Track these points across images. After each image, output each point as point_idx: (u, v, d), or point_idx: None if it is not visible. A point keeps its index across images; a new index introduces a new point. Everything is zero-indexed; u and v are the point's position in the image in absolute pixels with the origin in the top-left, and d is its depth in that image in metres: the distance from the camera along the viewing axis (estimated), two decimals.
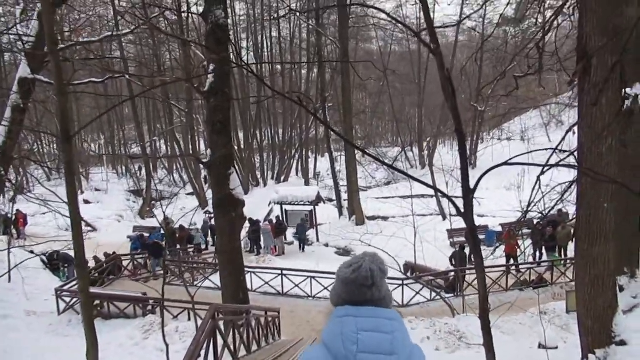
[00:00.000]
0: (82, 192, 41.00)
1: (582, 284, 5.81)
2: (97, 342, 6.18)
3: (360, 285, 1.87)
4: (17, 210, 28.01)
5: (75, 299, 14.18)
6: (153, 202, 40.59)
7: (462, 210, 3.73)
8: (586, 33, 5.12)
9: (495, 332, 10.72)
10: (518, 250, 16.77)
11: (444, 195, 4.03)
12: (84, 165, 45.63)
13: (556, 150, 7.74)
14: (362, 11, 38.66)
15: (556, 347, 8.23)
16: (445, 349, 9.81)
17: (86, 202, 38.03)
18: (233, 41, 31.40)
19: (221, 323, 9.43)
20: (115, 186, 42.76)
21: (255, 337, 8.48)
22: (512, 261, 16.91)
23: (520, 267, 16.34)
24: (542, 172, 9.72)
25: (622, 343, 5.71)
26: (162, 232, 23.89)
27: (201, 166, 19.96)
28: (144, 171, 41.24)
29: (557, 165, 4.16)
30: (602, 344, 5.75)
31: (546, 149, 5.68)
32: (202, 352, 5.48)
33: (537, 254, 18.59)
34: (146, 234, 22.35)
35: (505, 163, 3.85)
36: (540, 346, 8.21)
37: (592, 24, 5.06)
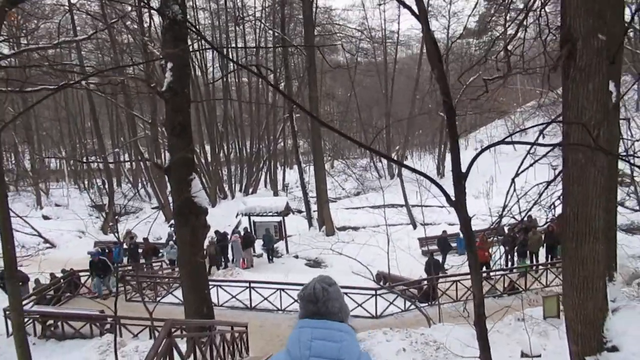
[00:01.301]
0: (41, 208, 39.60)
1: (570, 287, 5.42)
2: None
3: (308, 302, 2.29)
4: None
5: (26, 319, 13.19)
6: (116, 217, 39.27)
7: (454, 199, 3.27)
8: (569, 14, 4.77)
9: (472, 341, 10.34)
10: (490, 257, 16.55)
11: (433, 182, 3.58)
12: (43, 179, 44.00)
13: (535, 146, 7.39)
14: (328, 20, 38.64)
15: (539, 355, 7.83)
16: None
17: (45, 217, 36.57)
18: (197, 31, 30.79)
19: (182, 341, 8.77)
20: (76, 201, 41.19)
21: (220, 354, 7.82)
22: (484, 269, 16.64)
23: (494, 274, 16.07)
24: (517, 174, 9.39)
25: (614, 349, 5.33)
26: (125, 246, 22.96)
27: (166, 177, 19.13)
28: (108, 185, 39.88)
29: (554, 145, 3.73)
30: (593, 350, 5.36)
31: (530, 143, 5.31)
32: None
33: (509, 260, 18.41)
34: (108, 249, 21.26)
35: (502, 142, 3.43)
36: (522, 355, 7.81)
37: (575, 4, 4.71)
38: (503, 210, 9.32)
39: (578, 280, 5.27)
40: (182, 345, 6.50)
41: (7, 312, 13.17)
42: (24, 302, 14.30)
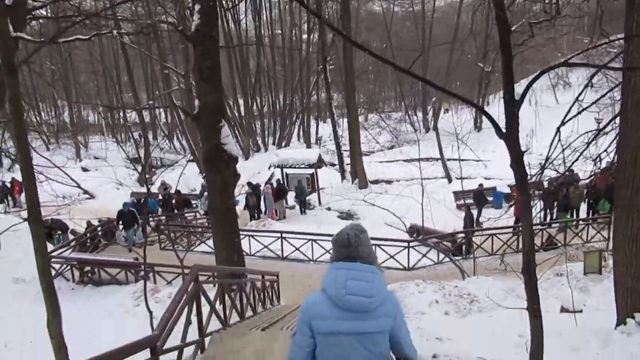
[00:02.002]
0: (80, 160, 40.62)
1: (622, 239, 5.02)
2: (60, 311, 5.51)
3: (341, 246, 2.55)
4: (13, 178, 27.57)
5: (65, 266, 13.58)
6: (153, 169, 40.00)
7: (504, 132, 2.91)
8: None
9: (509, 295, 10.06)
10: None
11: (481, 111, 3.20)
12: (82, 132, 44.92)
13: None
14: None
15: (580, 311, 7.49)
16: (456, 313, 9.11)
17: (84, 169, 37.50)
18: None
19: (213, 288, 8.78)
20: (114, 154, 42.01)
21: (250, 302, 7.77)
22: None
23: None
24: (563, 123, 8.78)
25: None
26: (160, 197, 23.30)
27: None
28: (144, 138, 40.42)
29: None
30: None
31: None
32: (183, 319, 4.75)
33: (548, 215, 17.81)
34: (144, 199, 21.58)
35: (564, 63, 3.03)
36: (562, 310, 7.48)
37: None
38: (546, 161, 8.82)
39: (631, 231, 4.87)
40: (212, 293, 6.43)
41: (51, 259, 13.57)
42: (62, 250, 14.78)
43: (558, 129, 8.59)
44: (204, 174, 30.40)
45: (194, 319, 5.17)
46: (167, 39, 37.47)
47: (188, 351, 4.98)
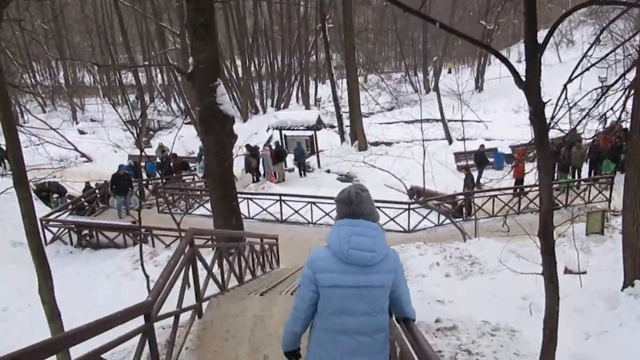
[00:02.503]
0: (77, 122, 40.16)
1: (634, 198, 4.82)
2: (51, 275, 5.37)
3: (344, 203, 2.66)
4: None
5: (63, 229, 13.48)
6: (150, 131, 39.60)
7: (523, 80, 2.66)
8: None
9: (511, 256, 9.96)
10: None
11: (497, 55, 2.95)
12: (77, 94, 44.24)
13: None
14: None
15: (584, 272, 7.37)
16: (457, 275, 9.03)
17: (81, 132, 37.09)
18: None
19: (211, 252, 8.65)
20: (110, 116, 41.42)
21: (248, 266, 7.65)
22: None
23: (533, 189, 15.42)
24: (570, 80, 8.45)
25: None
26: (158, 160, 23.09)
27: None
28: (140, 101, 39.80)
29: None
30: None
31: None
32: (179, 283, 4.60)
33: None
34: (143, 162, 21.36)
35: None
36: (566, 271, 7.37)
37: None
38: (551, 120, 8.54)
39: None
40: (209, 257, 6.29)
41: (44, 222, 13.46)
42: (60, 213, 14.65)
43: (565, 86, 8.29)
44: (201, 137, 30.18)
45: (191, 283, 5.04)
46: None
47: (185, 316, 4.86)
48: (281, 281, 7.60)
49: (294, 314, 2.71)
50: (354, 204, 2.63)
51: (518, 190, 15.27)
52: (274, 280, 7.46)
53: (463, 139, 19.36)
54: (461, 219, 13.35)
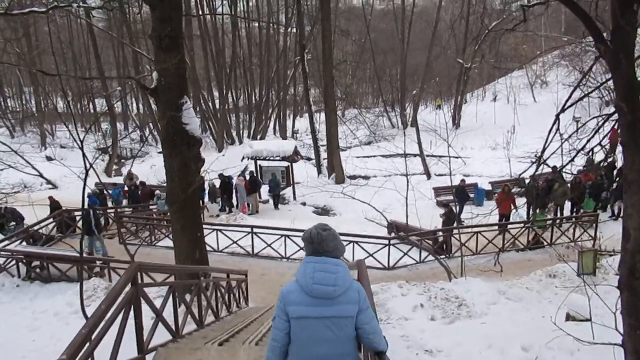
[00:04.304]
0: (45, 148, 38.97)
1: None
2: None
3: (308, 243, 2.94)
4: None
5: (10, 260, 12.25)
6: (122, 160, 38.52)
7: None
8: None
9: (499, 297, 9.18)
10: (513, 209, 15.32)
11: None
12: (48, 121, 43.11)
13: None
14: None
15: (589, 319, 6.59)
16: (442, 318, 8.19)
17: (49, 158, 35.84)
18: None
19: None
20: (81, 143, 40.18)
21: (210, 306, 6.71)
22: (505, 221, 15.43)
23: (513, 226, 14.84)
24: (563, 110, 7.83)
25: None
26: (126, 188, 21.99)
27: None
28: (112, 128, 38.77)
29: None
30: None
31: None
32: (116, 329, 3.69)
33: (531, 212, 17.11)
34: (106, 190, 20.25)
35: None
36: (569, 318, 6.58)
37: None
38: (543, 152, 7.92)
39: None
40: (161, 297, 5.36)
41: None
42: (10, 242, 13.43)
43: (557, 117, 7.70)
44: (165, 160, 29.15)
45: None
46: (139, 22, 35.98)
47: None
48: (247, 325, 6.65)
49: (272, 343, 2.92)
50: (316, 243, 2.89)
51: (506, 226, 14.70)
52: (239, 324, 6.51)
53: (459, 174, 18.73)
54: (444, 256, 12.59)
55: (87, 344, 3.08)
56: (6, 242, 13.32)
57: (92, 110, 46.86)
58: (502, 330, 6.94)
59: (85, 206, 13.46)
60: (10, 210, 16.90)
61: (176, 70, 7.40)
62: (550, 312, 8.19)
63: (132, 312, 4.02)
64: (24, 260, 12.09)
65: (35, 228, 15.15)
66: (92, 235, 13.74)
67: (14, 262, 12.17)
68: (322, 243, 2.87)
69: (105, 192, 19.91)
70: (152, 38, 7.46)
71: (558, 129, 7.50)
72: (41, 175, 29.28)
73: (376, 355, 3.02)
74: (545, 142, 7.24)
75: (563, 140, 8.28)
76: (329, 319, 2.78)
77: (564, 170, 7.92)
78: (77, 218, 16.91)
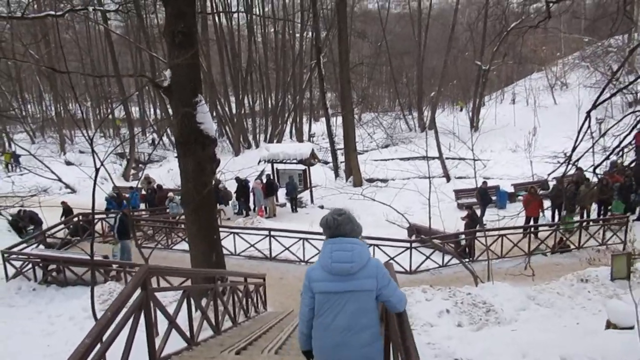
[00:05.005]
0: (64, 153, 39.40)
1: None
2: None
3: (325, 228, 3.18)
4: None
5: (26, 263, 12.14)
6: (140, 164, 38.69)
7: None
8: None
9: (529, 303, 8.74)
10: (540, 212, 14.79)
11: None
12: (67, 126, 43.69)
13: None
14: None
15: (631, 327, 6.12)
16: (470, 325, 7.80)
17: (68, 163, 36.15)
18: None
19: (171, 295, 7.36)
20: (101, 148, 40.41)
21: (227, 311, 6.42)
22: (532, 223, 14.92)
23: (542, 229, 14.33)
24: (595, 106, 7.44)
25: None
26: (144, 192, 21.90)
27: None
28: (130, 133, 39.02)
29: None
30: None
31: None
32: (125, 335, 3.41)
33: (556, 216, 16.55)
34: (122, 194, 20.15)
35: None
36: (610, 325, 6.14)
37: None
38: (573, 151, 7.55)
39: None
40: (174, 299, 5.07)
41: (6, 255, 12.15)
42: (27, 245, 13.34)
43: (588, 114, 7.29)
44: (179, 161, 29.07)
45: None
46: (156, 27, 36.14)
47: None
48: (266, 331, 6.34)
49: (301, 317, 3.24)
50: (333, 228, 3.14)
51: (533, 229, 14.19)
52: (257, 331, 6.20)
53: (476, 175, 18.29)
54: (468, 260, 12.13)
55: (92, 354, 2.80)
56: (23, 245, 13.23)
57: (110, 117, 47.41)
58: (535, 338, 6.53)
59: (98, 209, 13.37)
60: (29, 213, 16.91)
61: (189, 67, 7.16)
62: (585, 318, 7.77)
63: (143, 319, 3.73)
64: (41, 264, 11.98)
65: (52, 232, 15.07)
66: (127, 240, 13.36)
67: (30, 265, 12.08)
68: (338, 227, 3.12)
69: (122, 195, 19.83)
70: (166, 35, 7.24)
71: (589, 126, 7.10)
72: (60, 180, 29.51)
73: (397, 316, 3.33)
74: (576, 141, 6.86)
75: (596, 139, 7.87)
76: (349, 293, 3.00)
77: (590, 170, 7.51)
78: (95, 221, 16.86)
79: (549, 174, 12.36)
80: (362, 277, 3.01)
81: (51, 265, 11.92)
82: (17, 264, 12.18)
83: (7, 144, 40.80)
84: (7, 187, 24.24)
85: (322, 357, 3.13)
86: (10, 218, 17.31)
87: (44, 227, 16.04)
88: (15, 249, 12.52)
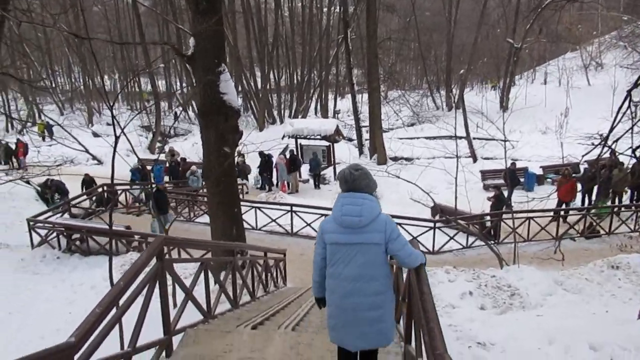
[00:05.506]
0: (92, 125, 39.98)
1: None
2: None
3: (342, 182, 3.33)
4: (18, 139, 26.73)
5: (51, 231, 12.31)
6: (166, 138, 39.00)
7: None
8: None
9: (556, 288, 8.47)
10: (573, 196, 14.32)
11: None
12: (95, 99, 44.30)
13: None
14: None
15: None
16: (493, 308, 7.59)
17: (95, 134, 36.57)
18: None
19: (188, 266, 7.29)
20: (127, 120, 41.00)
21: (246, 284, 6.34)
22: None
23: (571, 213, 13.89)
24: (636, 84, 7.14)
25: None
26: (167, 164, 22.00)
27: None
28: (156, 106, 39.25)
29: None
30: None
31: None
32: (137, 307, 3.33)
33: (586, 200, 16.04)
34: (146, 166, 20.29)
35: None
36: None
37: None
38: (610, 132, 7.24)
39: None
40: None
41: (32, 223, 12.33)
42: (53, 214, 13.53)
43: (629, 93, 6.91)
44: (201, 132, 29.11)
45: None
46: None
47: (146, 355, 3.56)
48: (285, 306, 6.25)
49: (314, 265, 3.45)
50: (349, 182, 3.25)
51: (563, 213, 13.78)
52: (275, 305, 6.12)
53: (506, 157, 17.91)
54: (493, 242, 11.85)
55: (104, 323, 2.70)
56: (49, 214, 13.43)
57: (137, 89, 47.84)
58: (561, 325, 6.29)
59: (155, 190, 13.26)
60: (56, 183, 17.15)
61: (213, 35, 6.98)
62: (615, 307, 7.48)
63: (157, 291, 3.63)
64: (65, 233, 12.14)
65: (77, 202, 15.26)
66: (165, 214, 13.18)
67: (55, 234, 12.26)
68: (354, 182, 3.22)
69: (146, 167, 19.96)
70: (190, 2, 7.05)
71: (629, 106, 6.73)
72: (87, 151, 29.71)
73: (414, 271, 3.44)
74: (614, 121, 6.52)
75: (637, 120, 7.47)
76: (358, 245, 3.13)
77: (627, 154, 7.11)
78: (118, 192, 17.05)
79: (583, 156, 11.86)
80: (370, 231, 3.12)
81: (75, 235, 12.08)
82: (43, 232, 12.36)
83: (37, 115, 41.58)
84: (36, 156, 24.76)
85: (334, 304, 3.27)
86: (38, 188, 17.62)
87: (70, 197, 16.28)
88: (40, 218, 12.69)
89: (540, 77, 44.33)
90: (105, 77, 54.21)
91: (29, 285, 10.50)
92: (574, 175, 17.11)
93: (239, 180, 19.51)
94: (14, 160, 26.03)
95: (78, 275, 10.85)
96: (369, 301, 3.16)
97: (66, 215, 14.36)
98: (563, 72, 38.67)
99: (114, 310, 2.93)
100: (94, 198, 16.51)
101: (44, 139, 33.44)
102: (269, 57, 37.82)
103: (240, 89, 37.82)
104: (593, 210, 14.25)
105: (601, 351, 4.86)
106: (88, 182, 17.33)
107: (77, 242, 11.99)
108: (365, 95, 29.75)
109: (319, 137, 21.24)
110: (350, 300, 3.17)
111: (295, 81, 40.92)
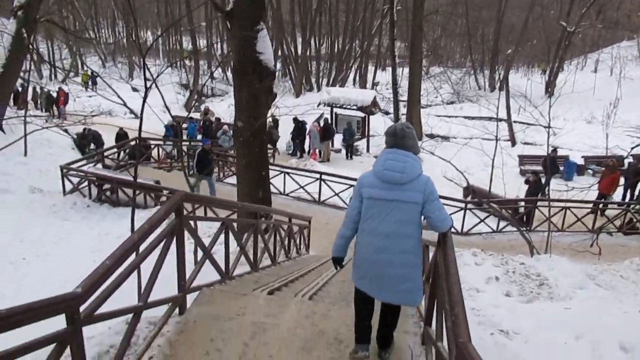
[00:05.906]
0: (132, 79, 40.48)
1: None
2: None
3: (390, 135, 3.28)
4: (59, 88, 27.19)
5: (83, 180, 12.49)
6: (203, 97, 39.20)
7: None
8: None
9: (588, 282, 8.13)
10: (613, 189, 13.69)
11: None
12: (136, 54, 44.83)
13: None
14: None
15: None
16: (519, 295, 7.32)
17: (134, 89, 37.07)
18: None
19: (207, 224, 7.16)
20: (167, 77, 41.32)
21: (267, 248, 6.25)
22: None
23: (611, 206, 13.33)
24: None
25: None
26: (201, 123, 22.06)
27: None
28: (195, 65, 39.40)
29: None
30: None
31: None
32: (152, 259, 3.25)
33: (628, 195, 15.36)
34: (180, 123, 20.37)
35: None
36: None
37: None
38: None
39: None
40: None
41: (65, 171, 12.53)
42: (83, 163, 13.73)
43: None
44: (234, 91, 29.03)
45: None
46: None
47: (158, 311, 3.49)
48: (304, 273, 6.14)
49: (346, 219, 3.34)
50: (398, 137, 3.22)
51: (602, 206, 13.24)
52: (295, 272, 6.02)
53: (548, 143, 17.36)
54: (525, 229, 11.48)
55: (114, 276, 2.61)
56: (82, 162, 13.63)
57: (178, 47, 48.08)
58: (591, 321, 6.01)
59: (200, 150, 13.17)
60: (93, 133, 17.39)
61: None
62: None
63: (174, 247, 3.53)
64: (96, 183, 12.31)
65: (110, 153, 15.47)
66: (209, 176, 13.30)
67: (86, 183, 12.44)
68: (403, 138, 3.20)
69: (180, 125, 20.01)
70: None
71: None
72: (124, 104, 30.21)
73: (441, 235, 3.40)
74: None
75: None
76: (395, 202, 3.09)
77: None
78: (152, 146, 17.20)
79: (632, 148, 11.27)
80: (410, 189, 3.08)
81: (105, 185, 12.23)
82: (75, 180, 12.54)
83: (79, 66, 42.29)
84: (74, 106, 25.19)
85: (364, 257, 3.24)
86: (75, 136, 17.91)
87: (105, 147, 16.53)
88: (74, 166, 12.88)
89: (591, 65, 42.52)
90: (149, 32, 54.71)
91: (59, 232, 10.71)
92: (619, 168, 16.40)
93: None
94: (55, 108, 26.51)
95: (106, 225, 11.02)
96: (401, 259, 3.14)
97: (99, 166, 14.56)
98: (616, 61, 36.92)
99: (126, 263, 2.82)
100: (127, 151, 16.69)
101: (86, 89, 34.05)
102: (311, 23, 37.25)
103: (280, 53, 37.46)
104: (636, 206, 13.66)
105: (632, 352, 4.60)
106: (122, 136, 17.52)
107: (108, 193, 12.15)
108: (406, 69, 29.09)
109: (355, 107, 20.88)
110: (382, 256, 3.14)
111: (336, 50, 40.34)
